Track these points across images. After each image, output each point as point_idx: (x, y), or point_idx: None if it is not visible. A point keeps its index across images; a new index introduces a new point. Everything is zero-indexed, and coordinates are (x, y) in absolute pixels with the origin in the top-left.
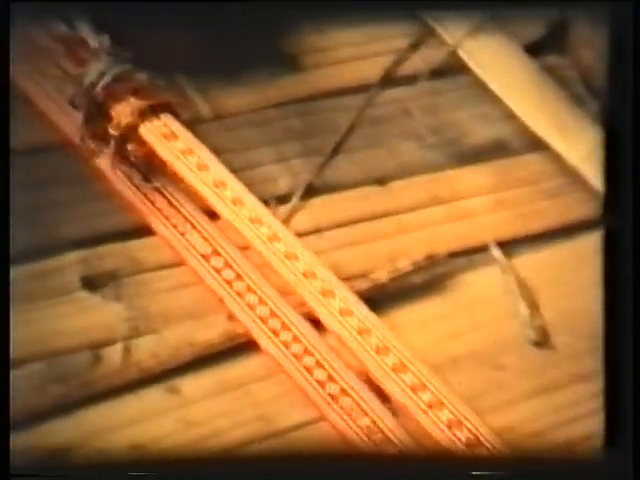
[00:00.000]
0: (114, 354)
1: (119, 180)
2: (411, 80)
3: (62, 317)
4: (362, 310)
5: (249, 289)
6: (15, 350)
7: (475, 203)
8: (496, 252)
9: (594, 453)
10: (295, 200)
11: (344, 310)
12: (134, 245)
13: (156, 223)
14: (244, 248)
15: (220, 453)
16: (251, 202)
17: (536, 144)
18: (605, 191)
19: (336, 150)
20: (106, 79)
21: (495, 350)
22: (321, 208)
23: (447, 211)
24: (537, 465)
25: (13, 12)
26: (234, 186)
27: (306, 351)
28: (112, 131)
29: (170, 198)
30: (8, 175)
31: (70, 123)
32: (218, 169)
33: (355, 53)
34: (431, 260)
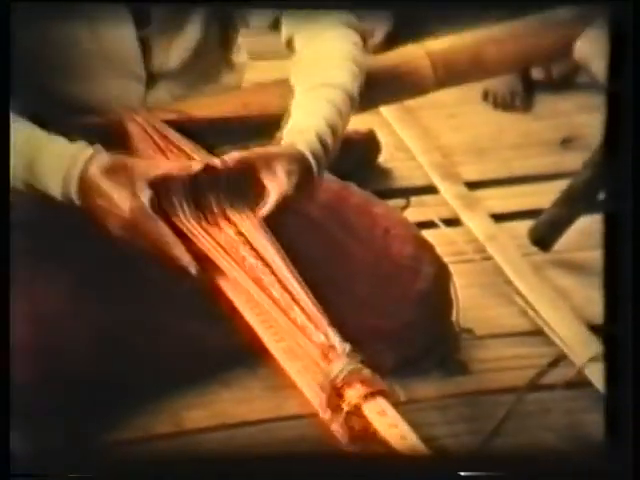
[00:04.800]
0: None
1: (346, 442)
2: (550, 387)
3: None
4: None
5: None
6: None
7: None
8: None
9: (594, 453)
10: None
11: None
12: None
13: None
14: None
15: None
16: None
17: None
18: None
19: (493, 433)
20: (344, 374)
21: None
22: None
23: None
24: (538, 465)
25: (13, 12)
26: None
27: None
28: (344, 407)
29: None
30: (8, 178)
31: (316, 396)
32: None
33: (507, 365)
34: None
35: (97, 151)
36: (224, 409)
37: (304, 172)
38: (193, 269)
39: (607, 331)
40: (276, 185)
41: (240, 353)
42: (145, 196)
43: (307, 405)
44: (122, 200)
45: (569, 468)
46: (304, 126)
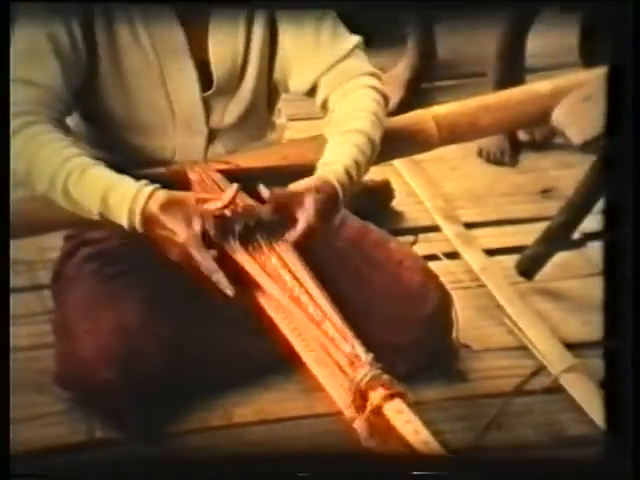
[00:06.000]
0: None
1: (368, 440)
2: (531, 393)
3: None
4: None
5: None
6: None
7: None
8: None
9: (594, 453)
10: None
11: None
12: None
13: None
14: None
15: None
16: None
17: None
18: None
19: (485, 429)
20: (368, 378)
21: None
22: None
23: None
24: (538, 465)
25: (13, 12)
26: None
27: None
28: (368, 406)
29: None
30: (8, 177)
31: (341, 397)
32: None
33: (497, 374)
34: None
35: (155, 189)
36: (265, 407)
37: (331, 199)
38: (230, 292)
39: (606, 345)
40: (305, 216)
41: (278, 361)
42: (197, 228)
43: (333, 405)
44: (179, 230)
45: (570, 469)
46: (332, 160)
